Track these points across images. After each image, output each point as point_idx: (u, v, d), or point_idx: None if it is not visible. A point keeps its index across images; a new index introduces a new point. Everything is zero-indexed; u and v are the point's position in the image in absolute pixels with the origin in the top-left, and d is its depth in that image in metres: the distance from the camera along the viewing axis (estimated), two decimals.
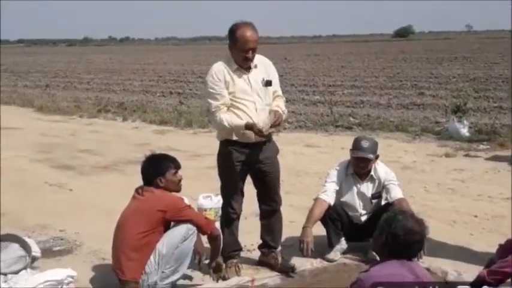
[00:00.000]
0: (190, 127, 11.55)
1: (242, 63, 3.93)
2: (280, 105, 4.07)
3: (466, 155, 8.25)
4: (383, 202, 4.46)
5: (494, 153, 8.28)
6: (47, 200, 6.36)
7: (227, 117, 3.87)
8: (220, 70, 3.93)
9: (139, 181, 3.94)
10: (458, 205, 5.86)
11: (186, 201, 4.08)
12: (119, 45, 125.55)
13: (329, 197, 4.31)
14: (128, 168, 7.76)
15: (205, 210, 5.09)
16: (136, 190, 3.87)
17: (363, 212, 4.49)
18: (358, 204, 4.48)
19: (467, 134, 9.37)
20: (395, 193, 4.32)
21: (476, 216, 5.46)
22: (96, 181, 7.32)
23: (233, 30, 3.90)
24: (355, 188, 4.46)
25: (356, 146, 4.34)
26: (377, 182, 4.42)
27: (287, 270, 4.12)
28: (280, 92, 4.17)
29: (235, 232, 4.23)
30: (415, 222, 2.80)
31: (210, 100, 3.94)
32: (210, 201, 5.07)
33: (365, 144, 4.30)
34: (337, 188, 4.39)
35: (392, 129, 10.41)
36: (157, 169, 3.84)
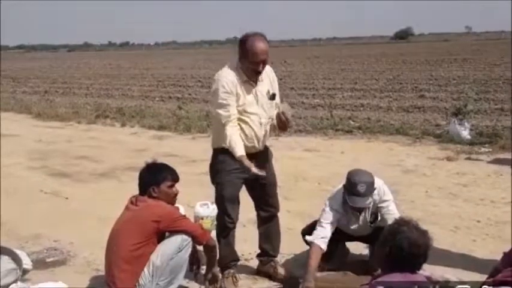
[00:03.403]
0: (189, 132, 11.44)
1: (252, 75, 3.82)
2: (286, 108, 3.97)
3: (468, 158, 8.15)
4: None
5: (496, 156, 8.17)
6: (42, 208, 6.24)
7: (232, 137, 3.73)
8: (231, 81, 3.78)
9: (136, 188, 3.82)
10: (461, 210, 5.74)
11: (182, 210, 3.98)
12: (118, 50, 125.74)
13: (325, 243, 3.94)
14: (125, 175, 7.65)
15: (202, 218, 4.97)
16: (130, 200, 3.77)
17: (362, 234, 4.26)
18: (358, 231, 4.22)
19: (468, 137, 9.26)
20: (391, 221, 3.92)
21: (479, 221, 5.35)
22: (92, 189, 7.21)
23: (243, 42, 3.77)
24: (355, 221, 4.14)
25: (352, 191, 3.85)
26: (371, 204, 4.06)
27: (287, 281, 4.03)
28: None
29: (232, 242, 4.11)
30: (420, 234, 2.69)
31: (219, 111, 3.78)
32: (207, 209, 4.95)
33: (361, 188, 3.80)
34: (334, 227, 4.01)
35: (393, 133, 10.31)
36: (153, 178, 3.71)
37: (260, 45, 3.73)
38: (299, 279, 3.87)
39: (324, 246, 3.92)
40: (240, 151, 3.71)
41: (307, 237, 4.01)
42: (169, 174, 3.76)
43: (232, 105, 3.76)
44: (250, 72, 3.80)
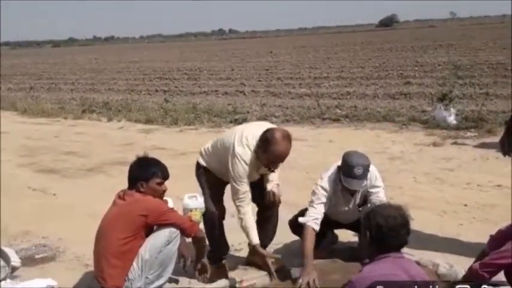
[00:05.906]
0: (176, 125, 11.43)
1: (266, 166, 3.92)
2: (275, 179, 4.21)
3: (454, 143, 8.22)
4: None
5: (482, 140, 8.25)
6: (30, 205, 6.22)
7: (248, 221, 3.90)
8: (251, 163, 3.87)
9: (124, 182, 3.80)
10: (448, 195, 5.80)
11: (171, 203, 3.96)
12: (103, 44, 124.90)
13: (317, 224, 3.95)
14: (113, 170, 7.64)
15: (191, 210, 4.95)
16: (118, 194, 3.74)
17: (350, 219, 4.26)
18: (347, 215, 4.23)
19: (454, 122, 9.34)
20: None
21: (466, 205, 5.41)
22: (80, 184, 7.19)
23: (269, 142, 3.75)
24: (344, 203, 4.14)
25: (348, 172, 3.81)
26: (361, 189, 4.07)
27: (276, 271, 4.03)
28: None
29: (222, 233, 4.15)
30: (393, 208, 2.74)
31: (237, 186, 3.89)
32: (196, 201, 4.92)
33: (358, 171, 3.77)
34: (325, 208, 4.02)
35: (380, 120, 10.37)
36: (142, 173, 3.67)
37: (285, 151, 3.78)
38: (291, 269, 3.89)
39: (317, 228, 3.92)
40: (255, 239, 3.88)
41: (300, 219, 4.01)
42: (160, 171, 3.70)
43: (247, 182, 3.89)
44: (265, 165, 3.91)
